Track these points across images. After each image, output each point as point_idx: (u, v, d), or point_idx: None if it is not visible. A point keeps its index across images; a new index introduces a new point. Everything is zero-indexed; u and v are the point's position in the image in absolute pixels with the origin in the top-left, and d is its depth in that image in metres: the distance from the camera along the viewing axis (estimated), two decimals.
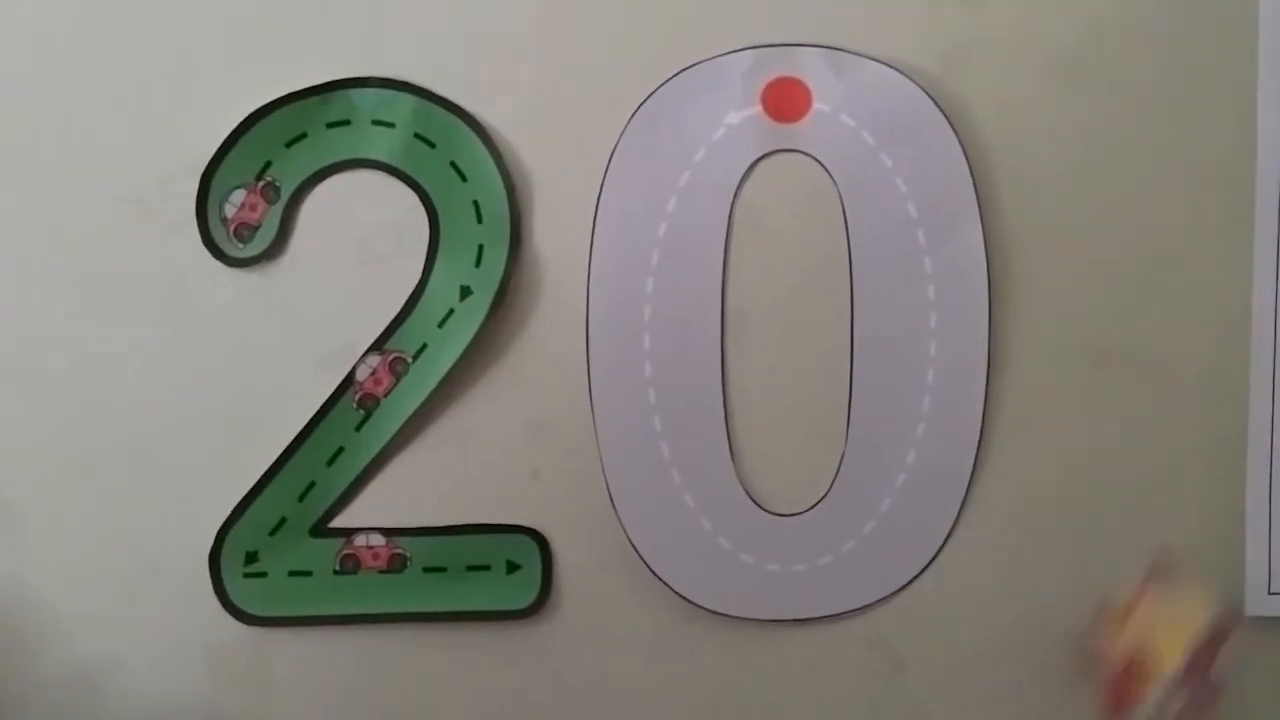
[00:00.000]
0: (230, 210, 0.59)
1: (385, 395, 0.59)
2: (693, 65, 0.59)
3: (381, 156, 0.59)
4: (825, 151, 0.60)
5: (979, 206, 0.60)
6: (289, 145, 0.59)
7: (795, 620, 0.61)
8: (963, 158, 0.59)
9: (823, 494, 0.61)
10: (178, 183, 0.59)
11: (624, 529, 0.60)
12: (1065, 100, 0.60)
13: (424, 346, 0.59)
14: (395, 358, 0.59)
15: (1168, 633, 0.47)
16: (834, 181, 0.60)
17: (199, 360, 0.60)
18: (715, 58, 0.59)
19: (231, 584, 0.60)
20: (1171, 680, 0.46)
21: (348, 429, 0.60)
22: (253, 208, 0.59)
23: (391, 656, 0.61)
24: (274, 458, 0.60)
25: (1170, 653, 0.46)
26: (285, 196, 0.59)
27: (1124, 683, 0.47)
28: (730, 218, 0.60)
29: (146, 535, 0.60)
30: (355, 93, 0.59)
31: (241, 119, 0.58)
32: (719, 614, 0.61)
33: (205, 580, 0.60)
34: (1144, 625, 0.47)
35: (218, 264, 0.59)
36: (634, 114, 0.59)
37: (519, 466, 0.61)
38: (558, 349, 0.60)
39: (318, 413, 0.59)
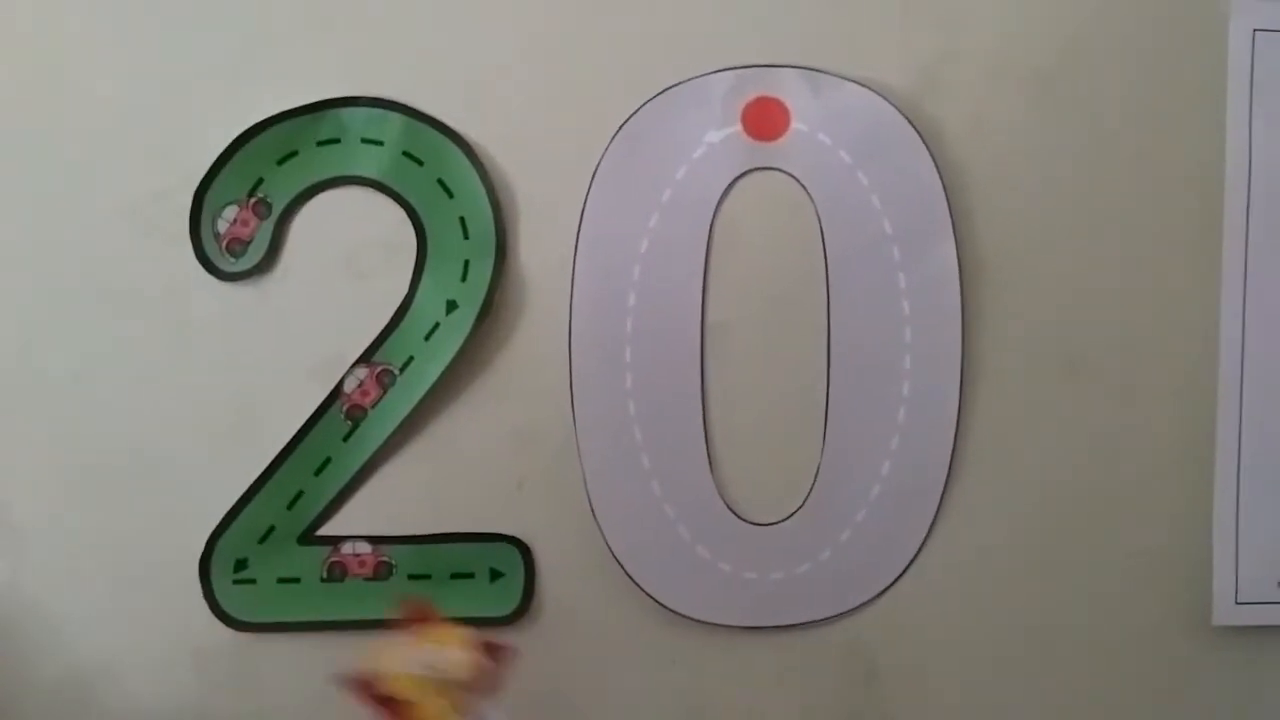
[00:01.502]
0: (223, 226, 0.61)
1: (372, 406, 0.61)
2: (674, 85, 0.60)
3: (371, 174, 0.61)
4: (803, 169, 0.61)
5: (952, 223, 0.61)
6: (280, 163, 0.60)
7: (773, 627, 0.63)
8: (937, 176, 0.61)
9: (800, 504, 0.62)
10: (171, 199, 0.60)
11: (605, 538, 0.61)
12: (1037, 119, 0.62)
13: (411, 359, 0.61)
14: (382, 370, 0.61)
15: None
16: (811, 199, 0.61)
17: (191, 371, 0.61)
18: (696, 78, 0.60)
19: (221, 590, 0.61)
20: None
21: (336, 439, 0.61)
22: (245, 223, 0.61)
23: None
24: (264, 467, 0.61)
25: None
26: (276, 212, 0.61)
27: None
28: (710, 234, 0.61)
29: (139, 542, 0.62)
30: (345, 112, 0.60)
31: (234, 137, 0.60)
32: (698, 621, 0.62)
33: (195, 586, 0.61)
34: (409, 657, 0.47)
35: (210, 278, 0.61)
36: (617, 133, 0.60)
37: (503, 477, 0.62)
38: (541, 362, 0.61)
39: (306, 423, 0.61)
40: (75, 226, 0.61)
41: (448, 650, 0.48)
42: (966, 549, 0.63)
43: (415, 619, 0.49)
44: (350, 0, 0.60)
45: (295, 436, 0.61)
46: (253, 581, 0.61)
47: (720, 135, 0.61)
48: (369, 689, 0.47)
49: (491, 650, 0.48)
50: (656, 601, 0.62)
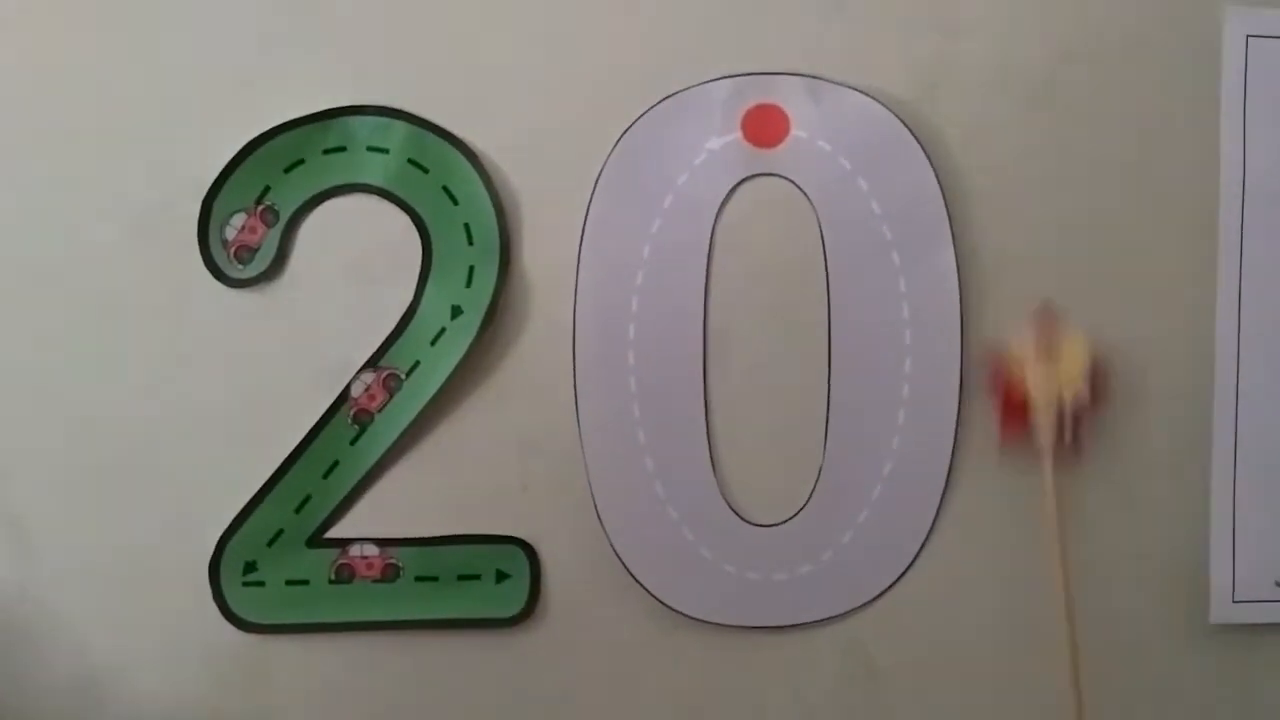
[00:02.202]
0: (231, 233, 0.61)
1: (379, 411, 0.62)
2: (676, 93, 0.61)
3: (376, 181, 0.61)
4: (803, 176, 0.62)
5: (951, 228, 0.62)
6: (287, 170, 0.61)
7: (775, 627, 0.63)
8: (935, 181, 0.61)
9: (802, 505, 0.63)
10: (180, 206, 0.61)
11: (609, 539, 0.62)
12: (1034, 125, 0.63)
13: (417, 364, 0.61)
14: (389, 374, 0.62)
15: (1054, 370, 0.57)
16: (811, 205, 0.62)
17: (200, 377, 0.62)
18: (697, 85, 0.61)
19: (231, 592, 0.62)
20: (1059, 407, 0.57)
21: (343, 443, 0.62)
22: (252, 230, 0.61)
23: (385, 663, 0.63)
24: (272, 471, 0.62)
25: (1059, 384, 0.57)
26: (284, 220, 0.61)
27: (1017, 411, 0.58)
28: (712, 239, 0.62)
29: (149, 545, 0.62)
30: (352, 120, 0.61)
31: (242, 145, 0.60)
32: (702, 621, 0.63)
33: (206, 589, 0.62)
34: (1034, 363, 0.57)
35: (219, 284, 0.61)
36: (619, 139, 0.61)
37: (508, 479, 0.62)
38: (546, 366, 0.62)
39: (314, 427, 0.61)
40: (85, 234, 0.61)
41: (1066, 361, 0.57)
42: (966, 548, 0.63)
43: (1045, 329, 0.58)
44: (356, 10, 0.61)
45: (303, 440, 0.62)
46: (262, 584, 0.62)
47: (721, 142, 0.62)
48: (1005, 380, 0.57)
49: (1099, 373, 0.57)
50: (660, 602, 0.62)
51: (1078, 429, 0.58)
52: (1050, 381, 0.56)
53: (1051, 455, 0.58)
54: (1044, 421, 0.57)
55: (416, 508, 0.62)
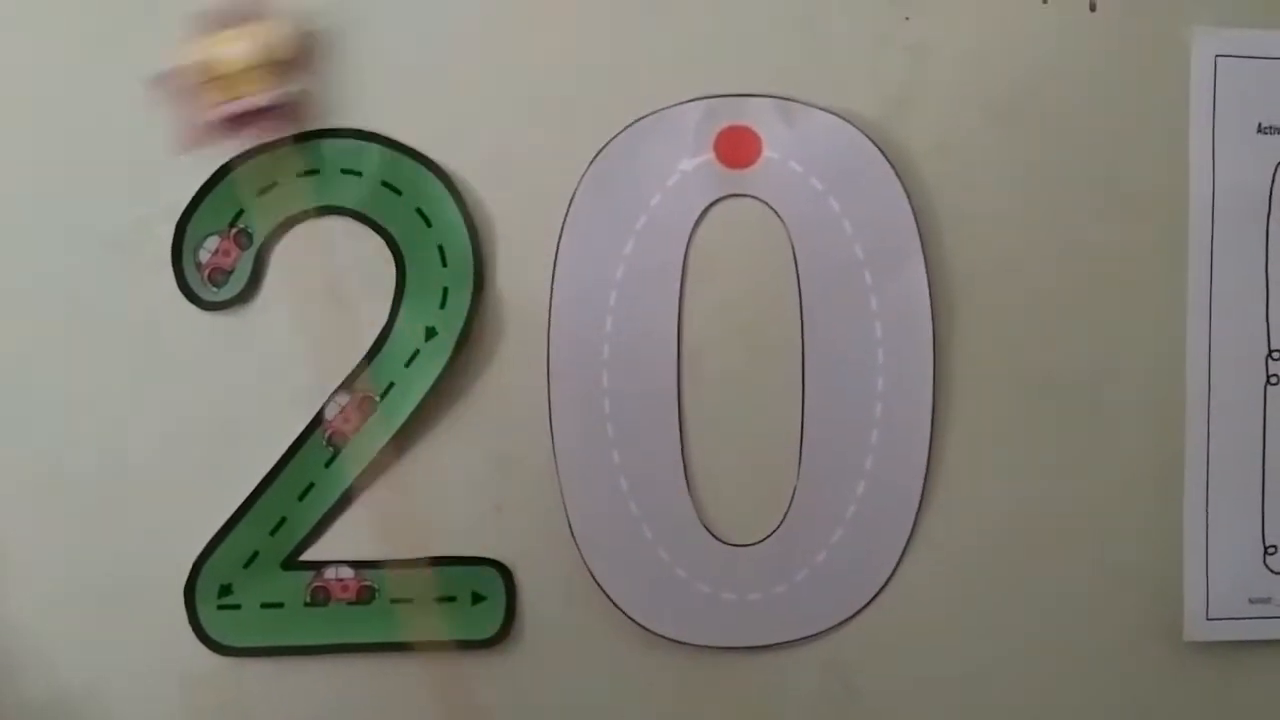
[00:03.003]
0: (204, 256, 0.61)
1: (354, 433, 0.62)
2: (648, 115, 0.61)
3: (350, 204, 0.61)
4: (775, 196, 0.62)
5: (922, 247, 0.62)
6: (261, 194, 0.61)
7: (751, 647, 0.63)
8: (906, 200, 0.62)
9: (776, 525, 0.63)
10: (153, 229, 0.61)
11: (584, 560, 0.62)
12: (1004, 144, 0.63)
13: (391, 385, 0.61)
14: (363, 397, 0.62)
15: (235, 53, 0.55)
16: (784, 225, 0.62)
17: (174, 400, 0.62)
18: (669, 107, 0.61)
19: (206, 615, 0.62)
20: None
21: (318, 465, 0.62)
22: (226, 254, 0.61)
23: (361, 685, 0.63)
24: (247, 493, 0.62)
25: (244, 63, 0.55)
26: (257, 242, 0.62)
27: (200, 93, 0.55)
28: (685, 260, 0.62)
29: (123, 568, 0.62)
30: (325, 143, 0.61)
31: (215, 169, 0.61)
32: (677, 642, 0.63)
33: (180, 612, 0.62)
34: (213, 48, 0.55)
35: (192, 308, 0.61)
36: (592, 161, 0.61)
37: (483, 500, 0.63)
38: (520, 387, 0.62)
39: (289, 450, 0.61)
40: (58, 257, 0.62)
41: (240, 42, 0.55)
42: (941, 567, 0.63)
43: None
44: (329, 33, 0.61)
45: (278, 463, 0.61)
46: (237, 606, 0.62)
47: (693, 163, 0.62)
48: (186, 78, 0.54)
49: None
50: (635, 623, 0.62)
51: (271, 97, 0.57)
52: (235, 60, 0.55)
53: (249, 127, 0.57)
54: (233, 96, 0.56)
55: (391, 530, 0.62)
